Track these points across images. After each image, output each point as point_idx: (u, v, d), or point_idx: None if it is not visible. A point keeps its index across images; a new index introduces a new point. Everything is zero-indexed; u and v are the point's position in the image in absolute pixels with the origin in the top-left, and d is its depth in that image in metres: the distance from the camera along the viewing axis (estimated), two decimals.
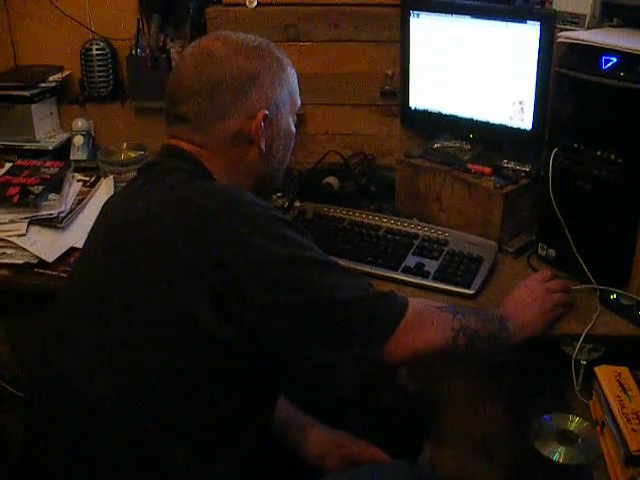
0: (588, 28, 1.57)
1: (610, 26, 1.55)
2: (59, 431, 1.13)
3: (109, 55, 2.15)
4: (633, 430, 1.15)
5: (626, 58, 1.36)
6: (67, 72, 2.21)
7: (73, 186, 1.89)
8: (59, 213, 1.75)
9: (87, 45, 2.15)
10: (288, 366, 1.19)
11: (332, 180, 1.92)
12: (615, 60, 1.38)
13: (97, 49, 2.14)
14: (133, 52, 2.10)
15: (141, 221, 1.16)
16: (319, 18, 1.95)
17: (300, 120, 1.98)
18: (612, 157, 1.42)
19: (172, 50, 2.07)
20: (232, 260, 1.07)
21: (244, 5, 1.97)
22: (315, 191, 1.91)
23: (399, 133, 2.01)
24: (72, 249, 1.66)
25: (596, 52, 1.40)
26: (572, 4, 1.61)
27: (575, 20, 1.60)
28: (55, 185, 1.81)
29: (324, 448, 1.43)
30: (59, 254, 1.65)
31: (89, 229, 1.30)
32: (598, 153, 1.44)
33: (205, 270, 1.07)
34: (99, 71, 2.16)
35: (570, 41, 1.46)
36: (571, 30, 1.56)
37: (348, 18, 1.94)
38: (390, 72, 1.95)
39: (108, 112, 2.20)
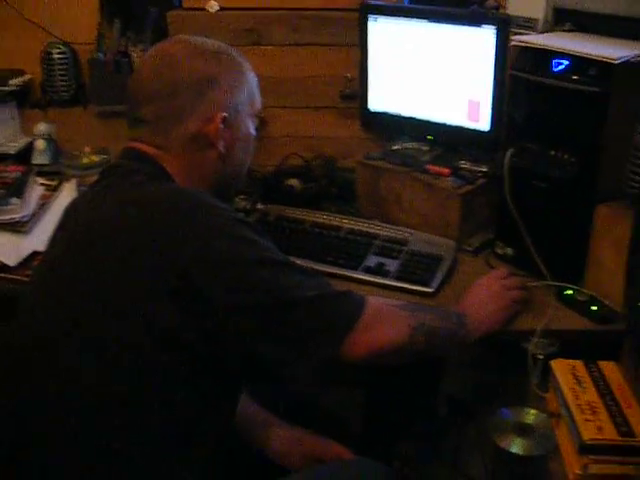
0: (541, 32, 1.61)
1: (562, 31, 1.59)
2: (26, 430, 1.12)
3: (70, 59, 2.15)
4: (586, 420, 1.18)
5: (576, 61, 1.40)
6: (28, 76, 2.20)
7: (35, 190, 1.89)
8: (21, 217, 1.74)
9: (48, 49, 2.14)
10: (249, 364, 1.20)
11: (294, 182, 1.93)
12: (566, 63, 1.42)
13: (58, 53, 2.13)
14: (95, 56, 2.10)
15: (102, 224, 1.17)
16: (279, 22, 1.96)
17: (261, 123, 1.99)
18: (565, 157, 1.46)
19: (133, 54, 2.07)
20: (192, 262, 1.08)
21: (205, 9, 1.97)
22: (277, 193, 1.92)
23: (359, 135, 2.04)
24: (35, 253, 1.65)
25: (548, 55, 1.44)
26: (526, 9, 1.66)
27: (529, 24, 1.64)
28: (17, 189, 1.80)
29: (287, 446, 1.44)
30: (22, 258, 1.65)
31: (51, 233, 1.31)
32: (552, 153, 1.48)
33: (166, 272, 1.08)
34: (60, 75, 2.14)
35: (523, 44, 1.49)
36: (525, 34, 1.60)
37: (308, 22, 1.95)
38: (349, 75, 1.97)
39: (70, 116, 2.19)
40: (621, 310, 1.39)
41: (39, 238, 1.70)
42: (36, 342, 1.16)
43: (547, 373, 1.36)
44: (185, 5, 2.00)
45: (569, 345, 1.41)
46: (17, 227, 1.72)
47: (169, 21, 1.98)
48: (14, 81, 2.16)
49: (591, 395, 1.24)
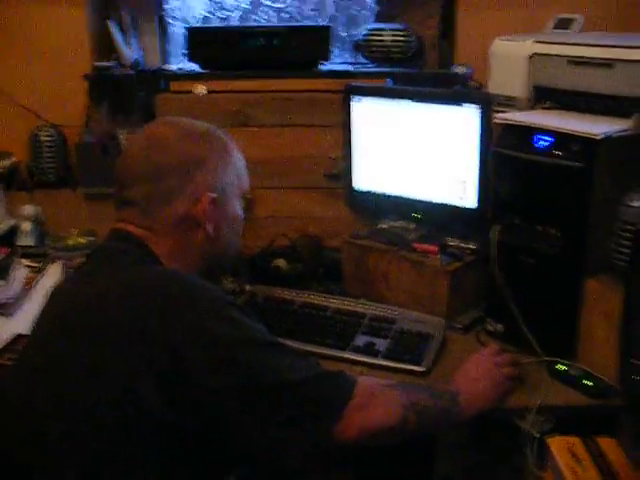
0: (523, 110, 1.64)
1: (543, 108, 1.63)
2: None
3: (58, 141, 2.16)
4: None
5: (559, 137, 1.42)
6: (14, 159, 2.20)
7: (20, 272, 1.87)
8: (6, 300, 1.72)
9: (36, 131, 2.15)
10: (237, 447, 1.17)
11: (281, 262, 1.93)
12: (549, 139, 1.44)
13: (46, 135, 2.15)
14: (82, 138, 2.11)
15: (90, 306, 1.16)
16: (265, 104, 1.99)
17: (249, 204, 2.00)
18: (552, 231, 1.47)
19: (121, 137, 2.10)
20: (181, 344, 1.07)
21: (193, 92, 2.00)
22: (265, 274, 1.91)
23: (345, 215, 2.04)
24: (19, 336, 1.63)
25: (530, 132, 1.47)
26: (507, 88, 1.69)
27: (510, 103, 1.67)
28: (1, 271, 1.79)
29: None
30: (5, 342, 1.62)
31: (36, 315, 1.29)
32: (539, 228, 1.49)
33: (154, 354, 1.07)
34: (47, 157, 2.15)
35: (505, 122, 1.52)
36: (507, 112, 1.63)
37: (294, 104, 1.98)
38: (334, 155, 1.99)
39: (57, 198, 2.19)
40: (615, 384, 1.38)
41: (23, 321, 1.67)
42: (20, 426, 1.13)
43: (544, 450, 1.34)
44: (172, 89, 2.03)
45: (565, 421, 1.39)
46: (1, 310, 1.69)
47: (157, 104, 2.01)
48: (1, 163, 2.17)
49: (592, 474, 1.21)
